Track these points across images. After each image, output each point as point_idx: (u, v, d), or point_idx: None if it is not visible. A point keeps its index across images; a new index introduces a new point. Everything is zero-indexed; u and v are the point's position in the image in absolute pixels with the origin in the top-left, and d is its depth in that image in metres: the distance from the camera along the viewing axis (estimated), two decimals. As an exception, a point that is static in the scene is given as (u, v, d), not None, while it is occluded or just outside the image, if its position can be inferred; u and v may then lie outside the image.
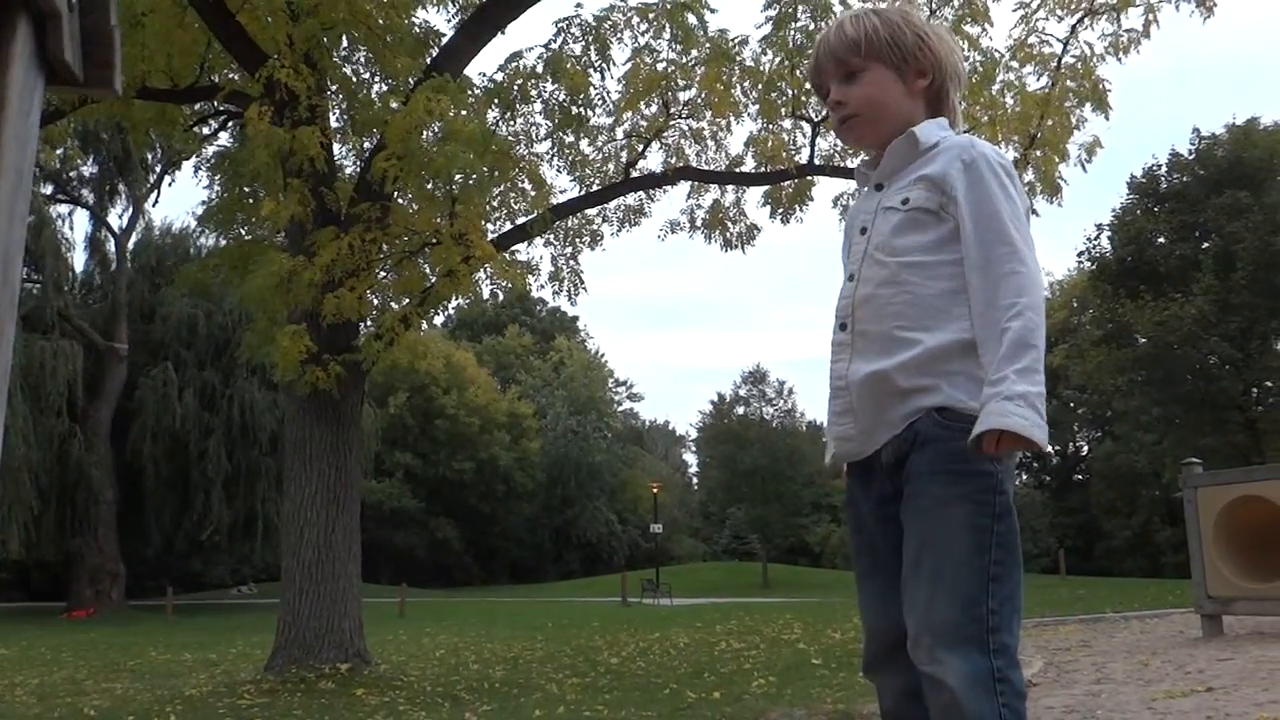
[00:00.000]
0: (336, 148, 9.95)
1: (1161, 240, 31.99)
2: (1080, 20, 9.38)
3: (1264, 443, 28.35)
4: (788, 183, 10.35)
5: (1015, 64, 9.52)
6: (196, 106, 10.62)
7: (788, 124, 10.12)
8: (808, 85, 9.65)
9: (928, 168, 1.82)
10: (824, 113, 9.84)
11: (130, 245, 31.86)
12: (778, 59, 9.57)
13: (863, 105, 1.89)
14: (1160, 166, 33.10)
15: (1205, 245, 30.88)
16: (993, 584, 1.64)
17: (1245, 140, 30.87)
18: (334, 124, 9.89)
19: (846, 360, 1.82)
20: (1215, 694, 4.67)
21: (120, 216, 31.98)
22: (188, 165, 11.35)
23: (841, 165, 10.21)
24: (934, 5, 9.50)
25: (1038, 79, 9.50)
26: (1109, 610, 12.11)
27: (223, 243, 10.88)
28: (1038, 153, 9.34)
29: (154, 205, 38.03)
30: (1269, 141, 30.75)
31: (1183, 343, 28.58)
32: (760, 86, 9.73)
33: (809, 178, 10.36)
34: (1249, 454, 26.84)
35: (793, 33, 9.37)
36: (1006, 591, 1.65)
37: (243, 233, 10.26)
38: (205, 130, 11.08)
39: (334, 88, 9.75)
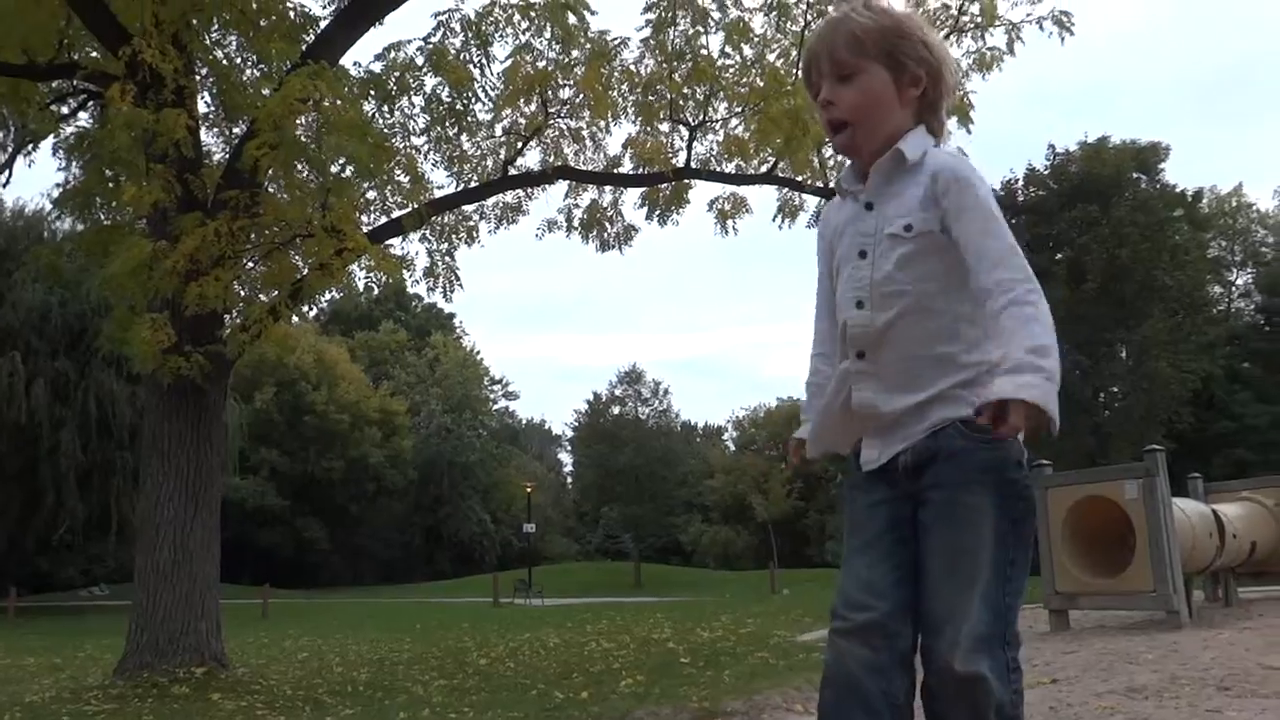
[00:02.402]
0: (204, 134, 9.59)
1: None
2: (946, 37, 9.74)
3: (1109, 445, 29.92)
4: (665, 185, 10.44)
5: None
6: (54, 84, 10.08)
7: (665, 127, 10.21)
8: (685, 90, 9.84)
9: (918, 186, 1.80)
10: (700, 118, 9.99)
11: (-24, 227, 30.08)
12: (657, 62, 9.65)
13: (852, 111, 1.84)
14: (1018, 180, 34.63)
15: (1058, 257, 32.43)
16: (1009, 583, 1.74)
17: (1096, 157, 32.57)
18: (203, 109, 9.54)
19: (870, 391, 1.81)
20: (1059, 685, 4.92)
21: (-34, 197, 30.16)
22: (44, 145, 10.76)
23: (717, 170, 10.36)
24: (809, 18, 9.72)
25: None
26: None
27: (79, 227, 10.36)
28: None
29: (5, 186, 35.94)
30: (1117, 159, 32.51)
31: (1037, 350, 29.94)
32: (639, 89, 9.80)
33: (686, 181, 10.47)
34: (1095, 456, 28.28)
35: (672, 36, 9.47)
36: (1018, 587, 1.76)
37: (102, 217, 9.78)
38: (64, 110, 10.52)
39: (204, 71, 9.40)
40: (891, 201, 1.83)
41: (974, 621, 1.70)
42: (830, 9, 1.88)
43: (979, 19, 9.57)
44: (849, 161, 1.95)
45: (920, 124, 1.87)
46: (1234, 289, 45.70)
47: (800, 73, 2.04)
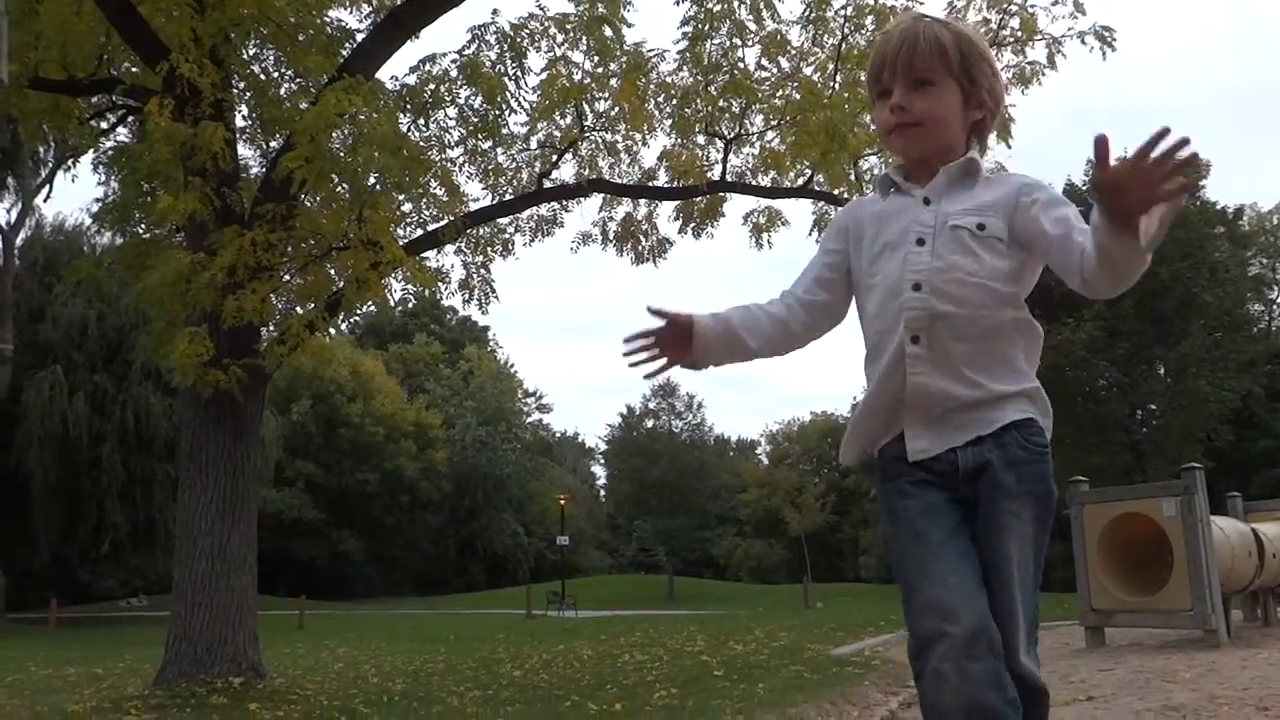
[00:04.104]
0: (242, 148, 9.71)
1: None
2: (984, 51, 9.69)
3: (1146, 462, 29.49)
4: (700, 198, 10.45)
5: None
6: (94, 99, 10.26)
7: (701, 140, 10.23)
8: (721, 103, 9.85)
9: (989, 194, 1.83)
10: (736, 131, 10.00)
11: (19, 242, 30.62)
12: (693, 75, 9.67)
13: (924, 117, 1.85)
14: (1056, 195, 34.33)
15: (1097, 272, 32.09)
16: (1037, 586, 1.81)
17: (1135, 173, 32.23)
18: (240, 123, 9.66)
19: (926, 376, 1.80)
20: (1095, 703, 4.85)
21: (8, 211, 30.72)
22: (84, 160, 10.95)
23: (753, 183, 10.36)
24: (846, 31, 9.71)
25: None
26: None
27: (119, 241, 10.52)
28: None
29: (45, 201, 36.58)
30: (1157, 174, 32.14)
31: (1074, 366, 29.62)
32: (675, 101, 9.82)
33: (721, 194, 10.47)
34: (1132, 473, 27.89)
35: (709, 49, 9.49)
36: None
37: (140, 231, 9.93)
38: (103, 124, 10.71)
39: (241, 85, 9.53)
40: (953, 201, 1.85)
41: (1025, 627, 1.76)
42: (907, 15, 1.87)
43: (1019, 33, 9.52)
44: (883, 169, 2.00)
45: (972, 143, 1.92)
46: (1275, 307, 44.98)
47: (869, 69, 2.01)
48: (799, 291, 2.01)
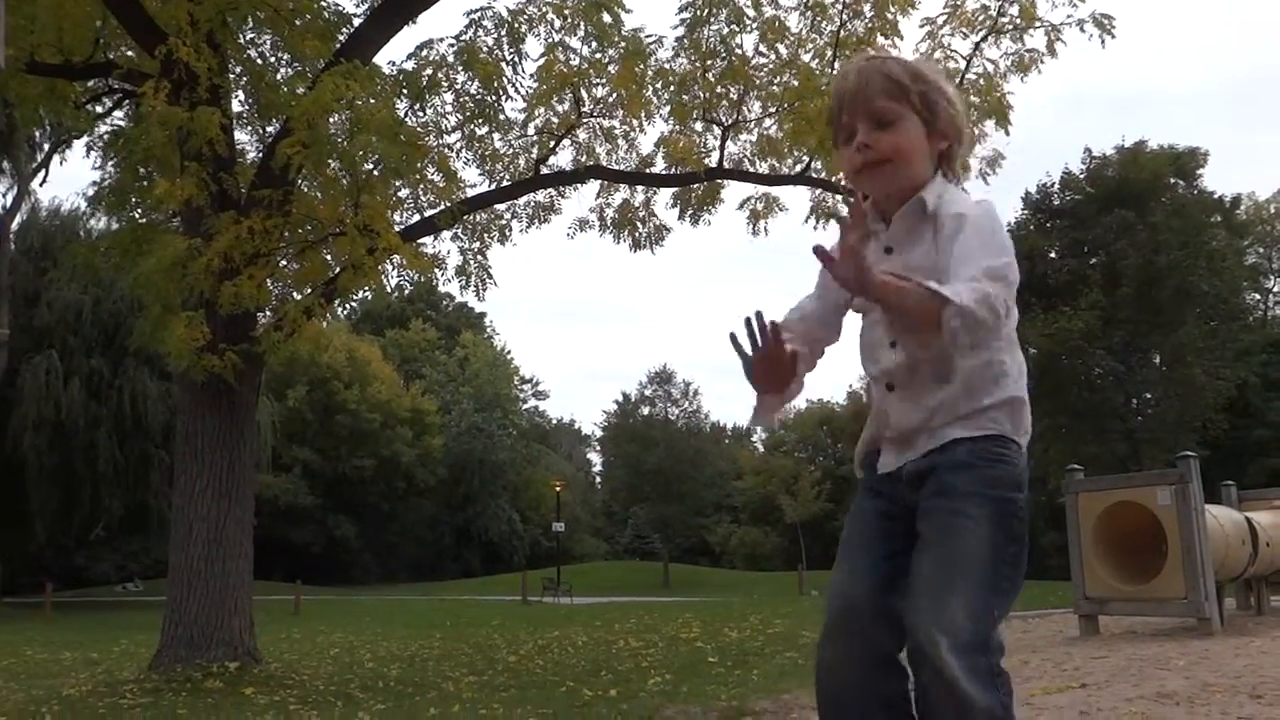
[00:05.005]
0: (238, 133, 9.68)
1: (1053, 255, 33.10)
2: (984, 38, 9.67)
3: (1142, 451, 29.55)
4: (697, 185, 10.43)
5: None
6: (90, 84, 10.22)
7: (699, 126, 10.21)
8: (719, 90, 9.82)
9: (935, 250, 1.85)
10: (734, 118, 9.98)
11: (14, 226, 30.48)
12: (691, 61, 9.65)
13: (891, 154, 1.87)
14: (1053, 184, 34.28)
15: (1093, 261, 32.08)
16: (999, 597, 1.79)
17: (1133, 162, 32.18)
18: (236, 108, 9.62)
19: (901, 414, 1.89)
20: (1089, 690, 4.87)
21: (3, 196, 30.59)
22: (79, 144, 10.90)
23: (750, 170, 10.34)
24: (845, 17, 9.69)
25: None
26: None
27: (115, 226, 10.49)
28: (939, 164, 9.58)
29: (41, 185, 36.48)
30: (1154, 164, 32.11)
31: (1070, 355, 29.64)
32: (673, 88, 9.79)
33: (718, 181, 10.46)
34: (1128, 462, 27.97)
35: (707, 35, 9.46)
36: (1007, 603, 1.82)
37: (136, 216, 9.90)
38: (99, 109, 10.66)
39: (238, 70, 9.49)
40: (914, 250, 1.88)
41: (957, 627, 1.72)
42: (859, 55, 1.89)
43: (1018, 20, 9.49)
44: None
45: (939, 173, 1.93)
46: (1271, 296, 45.06)
47: (829, 112, 2.01)
48: (807, 307, 2.04)
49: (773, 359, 1.84)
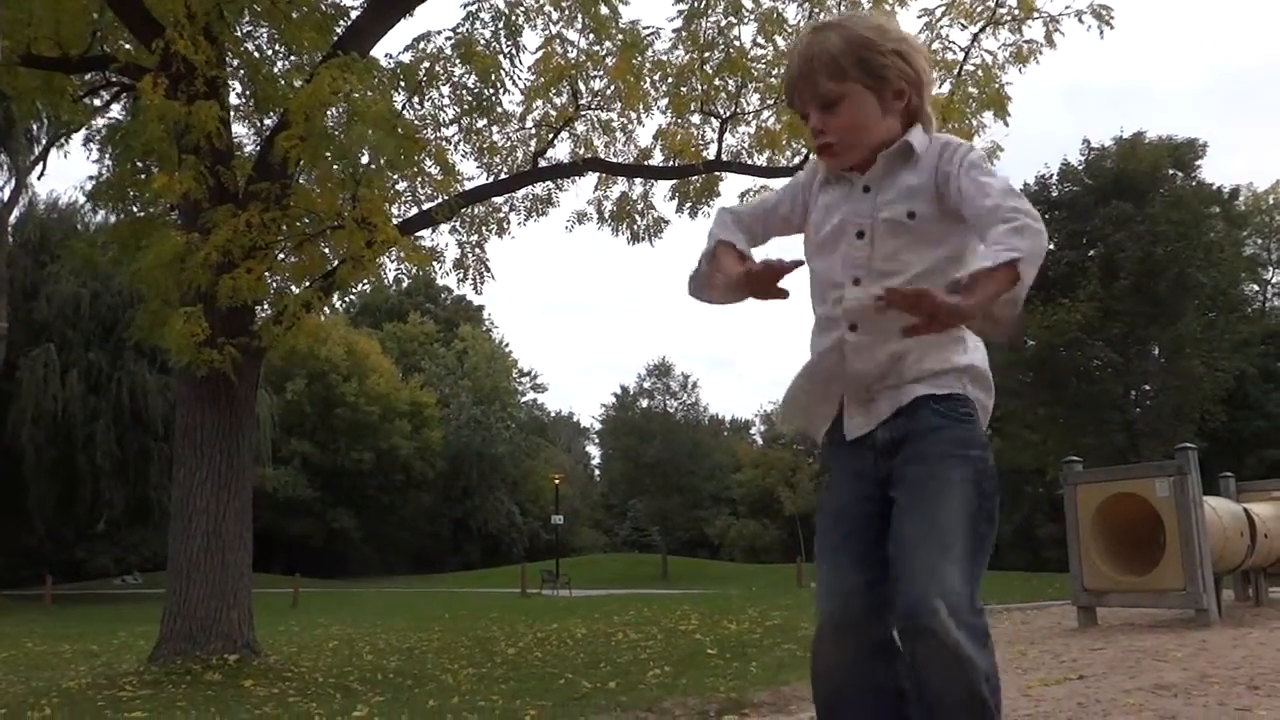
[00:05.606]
0: (236, 126, 9.66)
1: (1051, 247, 33.04)
2: (982, 29, 9.65)
3: (1140, 443, 29.55)
4: (695, 177, 10.42)
5: (919, 69, 9.74)
6: (87, 77, 10.19)
7: (697, 119, 10.19)
8: (717, 82, 9.81)
9: (915, 176, 1.86)
10: (732, 110, 9.97)
11: (12, 219, 30.45)
12: (689, 53, 9.63)
13: (843, 134, 1.89)
14: (1051, 175, 34.24)
15: (1091, 253, 32.04)
16: (978, 554, 1.80)
17: (1131, 154, 32.13)
18: (234, 101, 9.61)
19: (863, 363, 1.87)
20: (1087, 681, 4.88)
21: (2, 189, 30.57)
22: (77, 138, 10.87)
23: (748, 162, 10.33)
24: (843, 8, 9.67)
25: (940, 84, 9.75)
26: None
27: (113, 220, 10.47)
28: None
29: (39, 179, 36.42)
30: (1153, 156, 32.06)
31: (1068, 346, 29.64)
32: (670, 80, 9.78)
33: (716, 173, 10.45)
34: (1126, 453, 27.95)
35: (704, 27, 9.44)
36: (984, 560, 1.82)
37: (134, 210, 9.89)
38: (96, 102, 10.64)
39: (235, 63, 9.47)
40: (890, 187, 1.88)
41: (949, 586, 1.72)
42: (805, 30, 1.89)
43: (1016, 11, 9.47)
44: None
45: (909, 122, 1.92)
46: (1270, 287, 45.03)
47: (785, 95, 1.99)
48: (750, 214, 2.06)
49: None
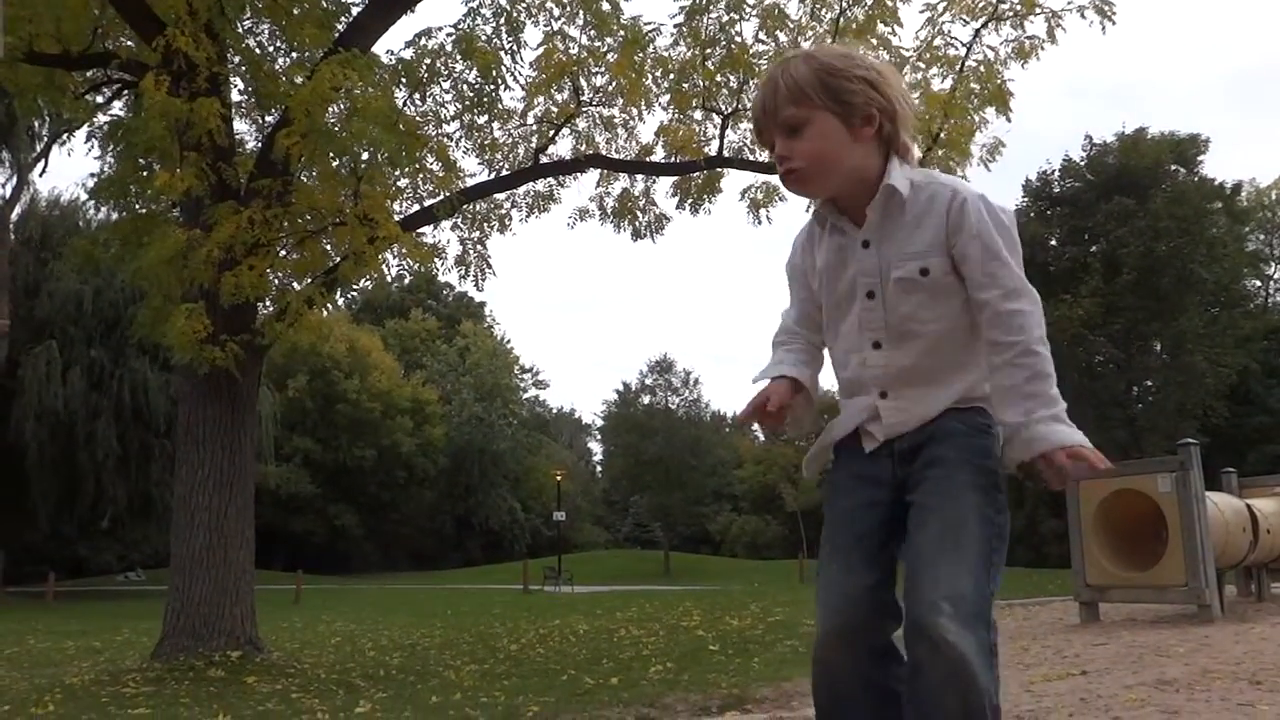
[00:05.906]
0: (237, 123, 9.66)
1: (1053, 243, 33.05)
2: (984, 25, 9.63)
3: (1143, 439, 29.57)
4: (697, 174, 10.41)
5: (922, 65, 9.75)
6: (89, 74, 10.19)
7: (698, 115, 10.19)
8: (719, 78, 9.79)
9: (923, 232, 1.82)
10: (734, 106, 9.96)
11: (14, 216, 30.46)
12: (690, 50, 9.62)
13: (808, 160, 1.85)
14: (1054, 171, 34.21)
15: (1094, 249, 32.04)
16: (992, 569, 1.78)
17: (1133, 149, 32.10)
18: (235, 97, 9.60)
19: (896, 418, 1.87)
20: (1089, 677, 4.88)
21: (3, 186, 30.57)
22: (79, 135, 10.87)
23: (750, 159, 10.32)
24: (845, 4, 9.66)
25: (942, 80, 9.74)
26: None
27: (115, 217, 10.47)
28: (940, 152, 9.57)
29: (41, 176, 36.46)
30: (1155, 151, 32.03)
31: (1071, 342, 29.63)
32: (672, 76, 9.77)
33: (718, 170, 10.44)
34: (1129, 449, 27.97)
35: (706, 23, 9.43)
36: (997, 576, 1.81)
37: (136, 207, 9.89)
38: (98, 99, 10.64)
39: (236, 59, 9.46)
40: (892, 240, 1.84)
41: (960, 592, 1.71)
42: (775, 62, 1.88)
43: (1018, 6, 9.45)
44: None
45: (889, 154, 1.87)
46: (1272, 283, 44.99)
47: (753, 129, 2.00)
48: (798, 319, 2.03)
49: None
